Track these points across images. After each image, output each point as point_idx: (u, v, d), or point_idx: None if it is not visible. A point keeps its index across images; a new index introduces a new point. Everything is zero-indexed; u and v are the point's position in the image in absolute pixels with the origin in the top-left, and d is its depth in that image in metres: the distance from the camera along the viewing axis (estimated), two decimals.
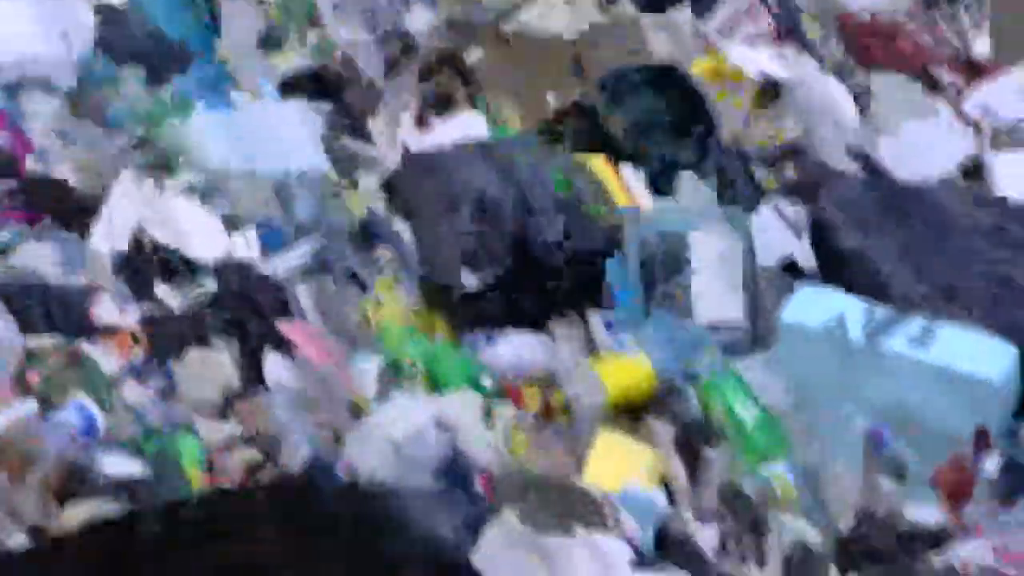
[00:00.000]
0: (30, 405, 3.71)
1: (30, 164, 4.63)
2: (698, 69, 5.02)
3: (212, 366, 3.93)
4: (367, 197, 4.63)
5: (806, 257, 4.38)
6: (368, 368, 3.91)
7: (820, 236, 4.31)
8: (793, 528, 3.53)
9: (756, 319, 4.20)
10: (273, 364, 3.96)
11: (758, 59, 5.10)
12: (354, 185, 4.68)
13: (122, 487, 3.47)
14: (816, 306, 3.96)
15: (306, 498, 2.54)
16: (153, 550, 2.33)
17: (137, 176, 4.49)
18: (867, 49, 5.26)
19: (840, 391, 3.82)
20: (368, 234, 4.46)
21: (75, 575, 2.36)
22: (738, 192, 4.60)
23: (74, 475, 3.51)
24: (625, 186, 4.49)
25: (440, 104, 5.04)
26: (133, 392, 3.87)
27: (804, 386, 3.90)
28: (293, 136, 4.78)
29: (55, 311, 4.07)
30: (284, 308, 4.14)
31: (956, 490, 3.58)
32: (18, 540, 3.26)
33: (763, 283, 4.28)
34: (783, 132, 4.88)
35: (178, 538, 2.31)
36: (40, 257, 4.31)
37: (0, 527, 3.30)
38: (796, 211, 4.55)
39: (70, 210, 4.47)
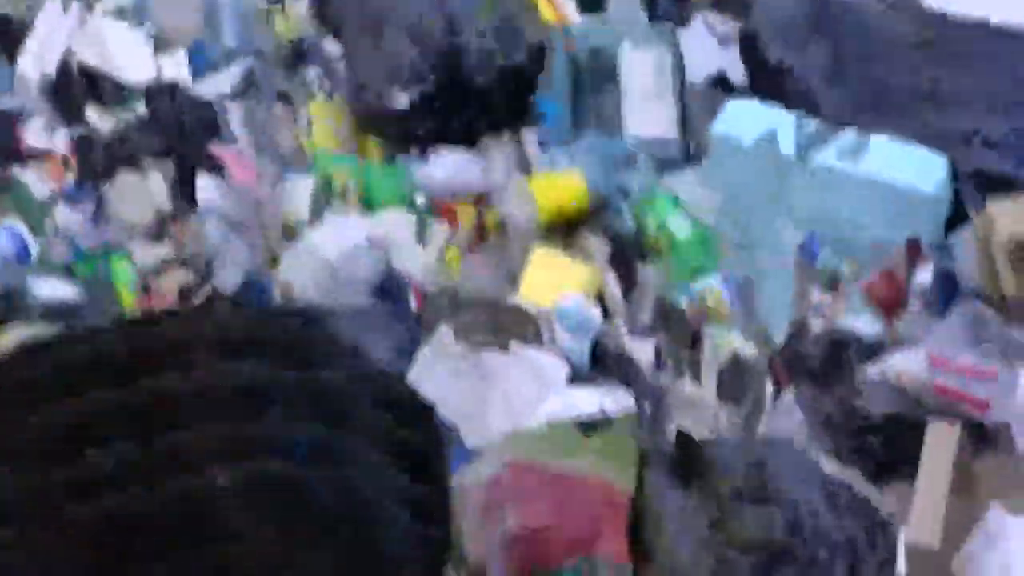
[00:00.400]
0: None
1: None
2: None
3: (143, 189, 3.90)
4: (296, 19, 4.52)
5: (736, 71, 4.31)
6: (301, 188, 3.90)
7: (750, 50, 4.22)
8: (727, 341, 3.55)
9: (687, 134, 4.17)
10: (205, 186, 3.93)
11: None
12: (282, 6, 4.55)
13: (55, 311, 3.49)
14: (747, 120, 3.93)
15: (239, 319, 2.45)
16: (85, 372, 2.17)
17: None
18: None
19: (772, 204, 3.81)
20: (298, 55, 4.40)
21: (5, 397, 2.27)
22: (667, 6, 4.48)
23: (6, 299, 3.53)
24: (553, 2, 4.40)
25: None
26: (65, 216, 3.86)
27: (736, 199, 3.90)
28: None
29: None
30: (215, 130, 4.12)
31: (888, 301, 3.59)
32: None
33: (694, 98, 4.24)
34: None
35: (111, 362, 2.22)
36: None
37: None
38: (725, 25, 4.47)
39: None
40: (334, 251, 3.62)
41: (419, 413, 2.37)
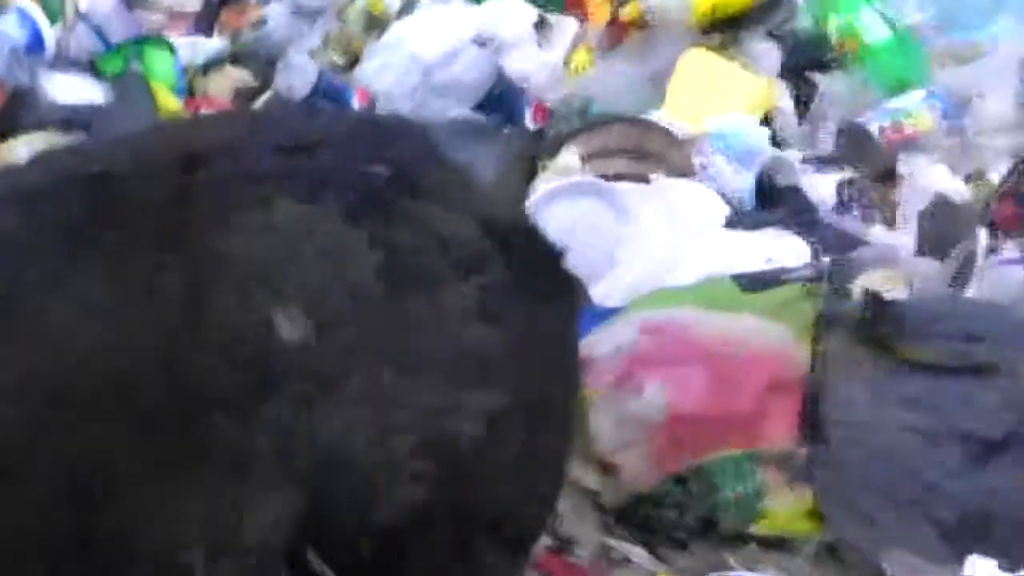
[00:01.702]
0: None
1: None
2: None
3: None
4: None
5: None
6: None
7: None
8: (931, 177, 3.29)
9: None
10: None
11: None
12: None
13: (76, 117, 3.32)
14: None
15: (308, 125, 2.16)
16: (117, 204, 1.98)
17: None
18: None
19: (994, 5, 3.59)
20: None
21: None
22: None
23: (16, 101, 3.32)
24: None
25: None
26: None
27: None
28: None
29: None
30: None
31: None
32: None
33: None
34: None
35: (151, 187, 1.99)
36: None
37: None
38: None
39: None
40: (430, 49, 3.49)
41: (543, 259, 2.11)
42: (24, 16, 3.56)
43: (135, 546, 1.98)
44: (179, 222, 1.99)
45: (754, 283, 2.75)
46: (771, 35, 3.60)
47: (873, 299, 2.68)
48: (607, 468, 2.61)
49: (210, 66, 3.55)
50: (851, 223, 3.31)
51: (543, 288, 2.12)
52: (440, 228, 2.05)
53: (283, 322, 1.94)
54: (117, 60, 3.63)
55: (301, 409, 1.95)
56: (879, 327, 2.60)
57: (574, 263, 2.70)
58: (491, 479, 2.09)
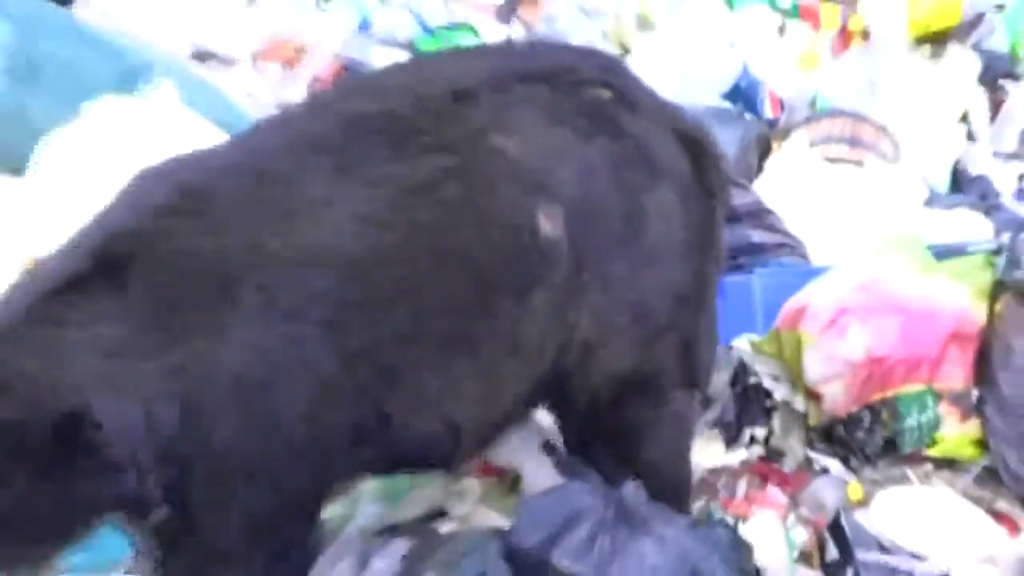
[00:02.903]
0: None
1: None
2: None
3: None
4: None
5: None
6: None
7: None
8: None
9: None
10: None
11: None
12: None
13: None
14: None
15: (546, 63, 2.43)
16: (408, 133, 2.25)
17: None
18: None
19: None
20: None
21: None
22: None
23: (347, 73, 3.45)
24: None
25: None
26: None
27: None
28: None
29: None
30: None
31: None
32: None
33: None
34: None
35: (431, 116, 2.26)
36: None
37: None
38: None
39: None
40: (688, 47, 3.55)
41: (712, 161, 2.40)
42: (358, 4, 3.67)
43: (418, 416, 2.20)
44: (458, 135, 2.19)
45: (944, 252, 2.87)
46: (972, 48, 3.66)
47: None
48: (813, 395, 2.78)
49: None
50: None
51: (712, 184, 2.37)
52: (650, 140, 2.30)
53: (544, 221, 2.18)
54: (434, 42, 3.75)
55: (558, 295, 2.17)
56: None
57: (797, 227, 3.03)
58: (679, 344, 2.37)
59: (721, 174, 2.45)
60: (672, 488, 2.51)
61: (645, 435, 2.44)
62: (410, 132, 2.20)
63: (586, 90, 2.30)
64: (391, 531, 2.46)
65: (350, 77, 3.00)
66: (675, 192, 2.32)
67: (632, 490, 2.32)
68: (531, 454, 2.55)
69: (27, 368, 2.01)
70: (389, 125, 2.19)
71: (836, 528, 2.57)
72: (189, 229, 2.09)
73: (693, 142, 2.37)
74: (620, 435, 2.41)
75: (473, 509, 2.58)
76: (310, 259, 2.12)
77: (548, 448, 2.54)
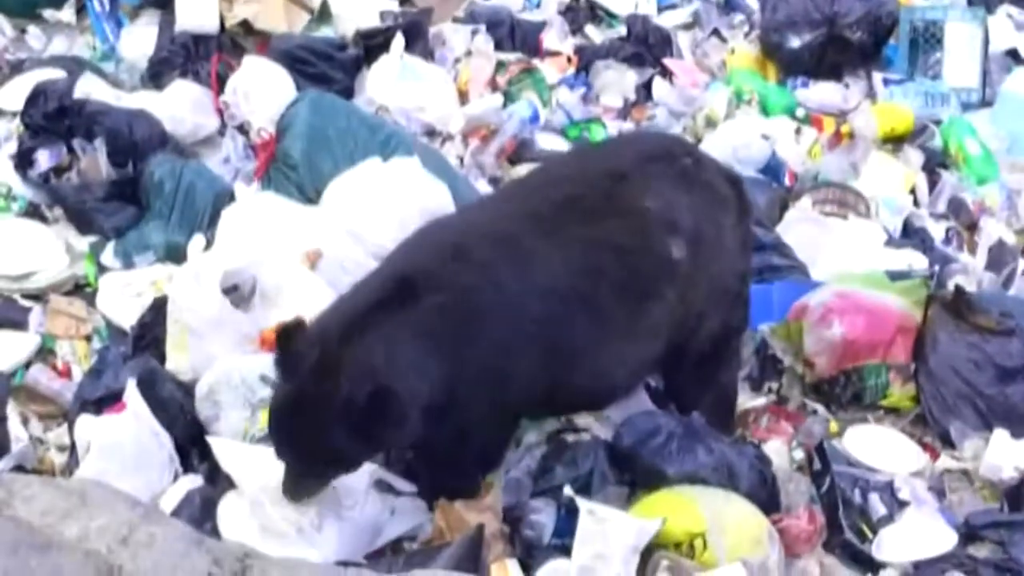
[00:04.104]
0: (496, 98, 3.72)
1: None
2: None
3: (619, 82, 3.90)
4: None
5: None
6: (721, 94, 3.82)
7: None
8: (996, 229, 3.44)
9: (986, 86, 4.08)
10: (659, 86, 3.92)
11: None
12: None
13: (549, 158, 3.41)
14: None
15: (656, 147, 2.57)
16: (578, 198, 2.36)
17: None
18: None
19: None
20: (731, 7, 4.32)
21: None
22: None
23: (521, 147, 3.55)
24: None
25: None
26: (565, 95, 3.87)
27: (1015, 137, 3.83)
28: None
29: (518, 35, 4.06)
30: (669, 47, 4.10)
31: None
32: (482, 187, 3.28)
33: (993, 62, 4.16)
34: None
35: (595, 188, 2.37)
36: None
37: (470, 177, 3.32)
38: (1022, 14, 4.41)
39: None
40: (738, 139, 3.57)
41: (745, 199, 2.53)
42: (530, 103, 3.68)
43: (593, 379, 2.34)
44: (620, 199, 2.31)
45: (896, 276, 2.97)
46: (919, 147, 3.71)
47: (958, 290, 2.91)
48: (808, 363, 2.86)
49: None
50: (951, 250, 3.42)
51: (747, 208, 2.54)
52: (716, 185, 2.43)
53: (674, 248, 2.34)
54: (576, 130, 3.79)
55: (682, 295, 2.35)
56: (960, 305, 2.84)
57: (802, 256, 3.01)
58: (742, 305, 2.55)
59: (749, 203, 2.59)
60: (728, 407, 2.69)
61: (724, 361, 2.60)
62: (588, 206, 2.30)
63: (681, 161, 2.45)
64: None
65: (542, 166, 2.91)
66: (734, 215, 2.47)
67: (695, 416, 2.47)
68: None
69: (351, 358, 2.10)
70: (574, 203, 2.30)
71: (821, 450, 2.66)
72: (458, 271, 2.20)
73: (735, 183, 2.52)
74: (709, 364, 2.54)
75: (587, 423, 2.63)
76: (535, 290, 2.26)
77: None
